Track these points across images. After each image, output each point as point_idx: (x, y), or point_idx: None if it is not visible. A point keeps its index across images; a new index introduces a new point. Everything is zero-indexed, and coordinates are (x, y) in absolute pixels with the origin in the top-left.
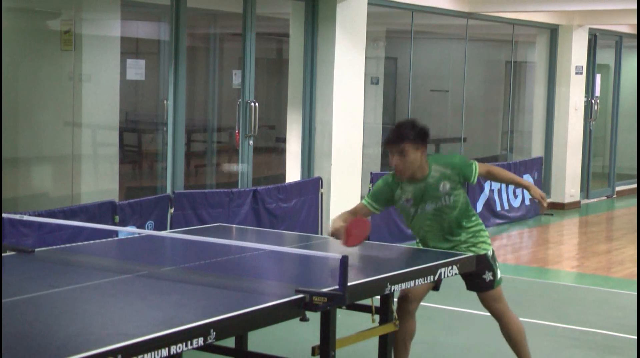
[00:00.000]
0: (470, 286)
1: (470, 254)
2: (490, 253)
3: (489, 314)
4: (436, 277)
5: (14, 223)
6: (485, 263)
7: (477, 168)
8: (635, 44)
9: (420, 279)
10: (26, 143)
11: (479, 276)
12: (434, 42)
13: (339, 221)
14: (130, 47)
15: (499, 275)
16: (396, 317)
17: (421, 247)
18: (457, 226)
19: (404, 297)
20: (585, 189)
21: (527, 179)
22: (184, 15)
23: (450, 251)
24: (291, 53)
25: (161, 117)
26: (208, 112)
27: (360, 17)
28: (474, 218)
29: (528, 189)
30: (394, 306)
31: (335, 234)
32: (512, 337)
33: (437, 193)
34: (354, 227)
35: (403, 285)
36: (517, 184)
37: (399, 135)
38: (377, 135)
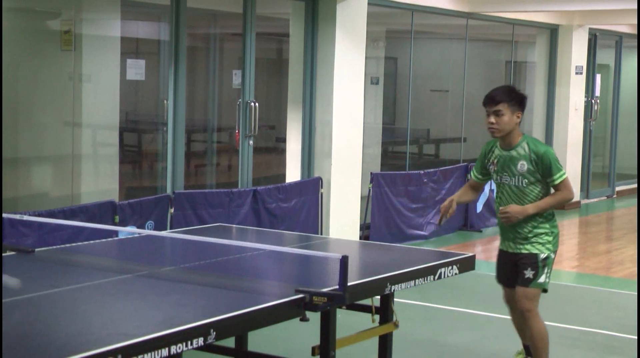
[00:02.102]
0: (511, 281)
1: (520, 250)
2: (543, 255)
3: (489, 314)
4: (436, 277)
5: (14, 223)
6: (533, 261)
7: (563, 178)
8: (635, 44)
9: (421, 279)
10: (26, 143)
11: (522, 271)
12: (434, 42)
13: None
14: (130, 47)
15: (542, 279)
16: (396, 316)
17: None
18: (524, 218)
19: (508, 299)
20: (585, 189)
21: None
22: (184, 15)
23: (508, 242)
24: (291, 53)
25: (161, 117)
26: (208, 112)
27: (360, 17)
28: (545, 220)
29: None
30: (394, 306)
31: (445, 209)
32: (533, 341)
33: (514, 169)
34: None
35: (403, 285)
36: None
37: (497, 95)
38: (377, 135)
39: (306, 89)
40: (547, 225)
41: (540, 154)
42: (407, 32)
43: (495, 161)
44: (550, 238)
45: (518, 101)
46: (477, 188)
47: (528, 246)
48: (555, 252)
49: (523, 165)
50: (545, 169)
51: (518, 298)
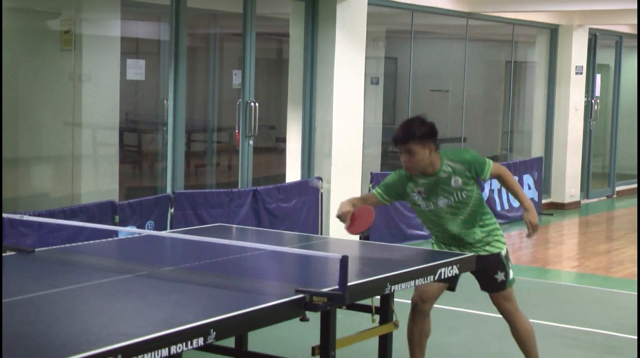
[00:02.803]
0: (483, 287)
1: (479, 253)
2: (504, 252)
3: (489, 314)
4: (436, 277)
5: (14, 223)
6: (498, 262)
7: (491, 166)
8: (635, 44)
9: (421, 279)
10: (26, 143)
11: (492, 277)
12: (434, 42)
13: (348, 206)
14: (130, 47)
15: (511, 275)
16: (396, 316)
17: (436, 248)
18: (471, 223)
19: (419, 298)
20: (585, 189)
21: (529, 179)
22: (184, 15)
23: (462, 250)
24: (291, 53)
25: (161, 117)
26: (208, 112)
27: (360, 17)
28: (488, 216)
29: (526, 210)
30: (394, 306)
31: (341, 217)
32: (520, 338)
33: (449, 188)
34: (359, 215)
35: (403, 285)
36: (519, 200)
37: (406, 134)
38: (377, 135)
39: (306, 89)
40: (492, 220)
41: (467, 161)
42: (407, 32)
43: (422, 189)
44: (500, 232)
45: (428, 134)
46: (372, 205)
47: (487, 248)
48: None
49: (457, 180)
50: (478, 170)
51: (498, 303)
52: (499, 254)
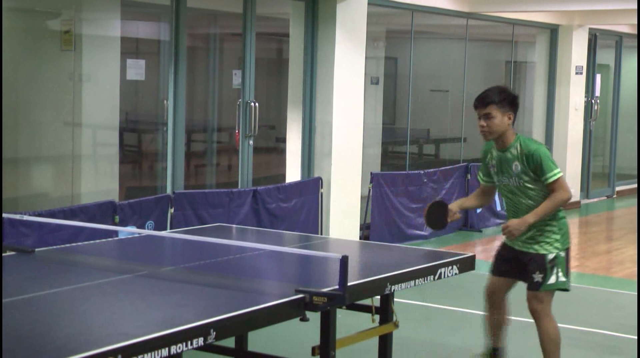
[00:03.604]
0: (522, 279)
1: (528, 250)
2: (551, 256)
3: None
4: (436, 277)
5: (14, 223)
6: (539, 263)
7: (556, 176)
8: (635, 44)
9: (420, 279)
10: (26, 143)
11: (530, 275)
12: (434, 42)
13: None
14: (130, 47)
15: (552, 280)
16: (396, 316)
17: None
18: (526, 208)
19: (491, 291)
20: (585, 189)
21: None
22: (184, 15)
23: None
24: (291, 53)
25: (161, 117)
26: (208, 112)
27: (360, 17)
28: (549, 218)
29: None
30: (394, 306)
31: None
32: (542, 343)
33: (510, 170)
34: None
35: (403, 285)
36: (534, 210)
37: (486, 97)
38: (377, 135)
39: (306, 89)
40: (554, 223)
41: (530, 152)
42: (407, 32)
43: (494, 162)
44: (558, 236)
45: (508, 101)
46: (487, 193)
47: (536, 247)
48: (566, 249)
49: (517, 166)
50: (536, 167)
51: (528, 299)
52: (544, 256)
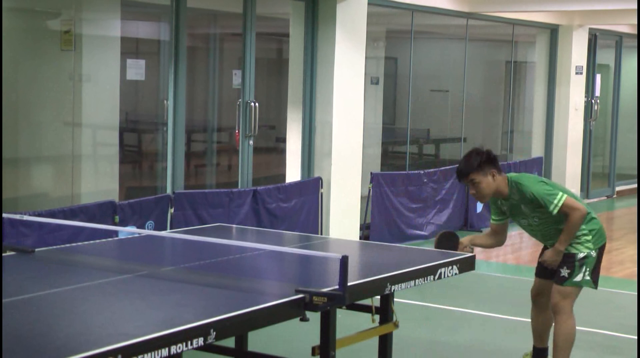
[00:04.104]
0: (551, 275)
1: (564, 251)
2: (582, 255)
3: (489, 314)
4: (436, 277)
5: (14, 223)
6: (569, 260)
7: (560, 203)
8: (635, 44)
9: (421, 279)
10: (26, 143)
11: (558, 269)
12: (434, 42)
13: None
14: (130, 47)
15: (578, 278)
16: (396, 316)
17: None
18: (556, 232)
19: (536, 293)
20: (585, 189)
21: None
22: (184, 15)
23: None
24: (291, 53)
25: (161, 117)
26: (208, 112)
27: (360, 17)
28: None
29: (554, 248)
30: (394, 306)
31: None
32: (557, 338)
33: (522, 212)
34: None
35: (403, 285)
36: (559, 238)
37: (464, 168)
38: (377, 135)
39: (306, 89)
40: (583, 226)
41: (526, 195)
42: (407, 32)
43: (506, 208)
44: (589, 238)
45: (486, 162)
46: (499, 232)
47: (568, 247)
48: (598, 249)
49: (525, 207)
50: (540, 204)
51: (552, 294)
52: (574, 255)
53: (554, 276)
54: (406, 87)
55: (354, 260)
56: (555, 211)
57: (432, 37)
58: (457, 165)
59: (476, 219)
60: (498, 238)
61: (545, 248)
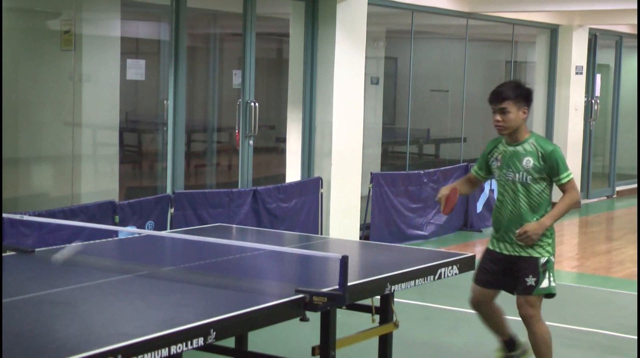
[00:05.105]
0: (511, 286)
1: (520, 254)
2: (544, 260)
3: None
4: (436, 277)
5: (14, 223)
6: (533, 267)
7: (569, 177)
8: (635, 44)
9: (420, 279)
10: (26, 143)
11: (522, 278)
12: (434, 42)
13: (446, 189)
14: (130, 47)
15: (544, 285)
16: (396, 316)
17: (491, 241)
18: (525, 216)
19: (477, 302)
20: (585, 189)
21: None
22: (184, 15)
23: (506, 245)
24: (291, 53)
25: (161, 117)
26: (208, 112)
27: (360, 17)
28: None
29: (539, 220)
30: (394, 306)
31: (440, 200)
32: (536, 346)
33: (519, 165)
34: (449, 196)
35: (403, 285)
36: (548, 214)
37: (501, 93)
38: (377, 135)
39: (306, 89)
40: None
41: (548, 152)
42: (407, 32)
43: (500, 156)
44: (550, 241)
45: (524, 96)
46: (474, 184)
47: (529, 250)
48: (554, 255)
49: (529, 161)
50: (552, 167)
51: (519, 305)
52: (537, 259)
53: (518, 286)
54: (406, 87)
55: (354, 260)
56: (561, 181)
57: (432, 37)
58: (497, 87)
59: (476, 219)
60: (470, 187)
61: (488, 251)
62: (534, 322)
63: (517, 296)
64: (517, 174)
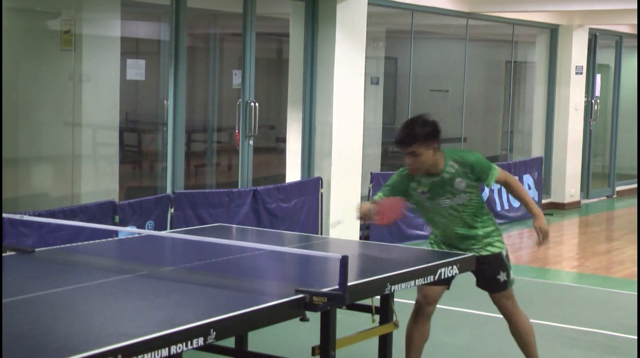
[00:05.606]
0: (482, 285)
1: (481, 253)
2: (504, 252)
3: (489, 314)
4: (436, 277)
5: (14, 223)
6: (500, 262)
7: (496, 174)
8: (635, 44)
9: (421, 279)
10: (26, 143)
11: (494, 277)
12: (434, 42)
13: (367, 204)
14: (130, 47)
15: (512, 275)
16: (396, 316)
17: (435, 248)
18: (473, 223)
19: (424, 299)
20: (585, 189)
21: (529, 179)
22: (184, 15)
23: (463, 250)
24: (291, 53)
25: (161, 117)
26: (208, 112)
27: (360, 17)
28: (488, 216)
29: (535, 217)
30: (394, 306)
31: (365, 216)
32: (520, 337)
33: (452, 189)
34: (386, 206)
35: (403, 285)
36: (527, 207)
37: (409, 136)
38: (377, 135)
39: (306, 89)
40: (492, 221)
41: (470, 163)
42: (407, 32)
43: (426, 189)
44: (499, 233)
45: (431, 134)
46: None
47: (489, 248)
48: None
49: (460, 182)
50: (481, 172)
51: (499, 303)
52: (500, 254)
53: (492, 285)
54: (406, 87)
55: (354, 260)
56: (496, 176)
57: (432, 37)
58: (399, 130)
59: None
60: None
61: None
62: (515, 314)
63: (493, 295)
64: (454, 198)
